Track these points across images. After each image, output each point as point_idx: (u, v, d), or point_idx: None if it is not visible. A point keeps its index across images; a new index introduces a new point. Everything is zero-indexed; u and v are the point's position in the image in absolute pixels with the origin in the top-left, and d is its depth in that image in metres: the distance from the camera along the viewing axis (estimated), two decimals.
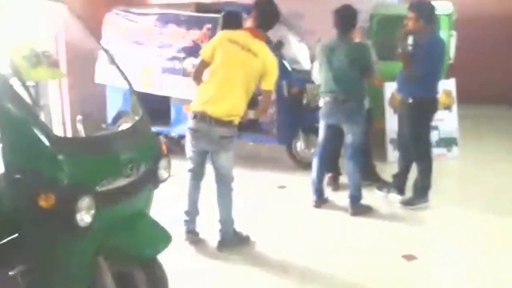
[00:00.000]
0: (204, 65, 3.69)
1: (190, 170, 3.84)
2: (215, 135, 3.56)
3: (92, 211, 2.22)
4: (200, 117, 3.57)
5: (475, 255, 3.88)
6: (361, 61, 4.40)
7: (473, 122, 8.08)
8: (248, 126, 6.06)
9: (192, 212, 3.91)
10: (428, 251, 3.94)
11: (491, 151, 6.70)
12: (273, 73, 3.62)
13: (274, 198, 5.04)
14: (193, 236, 3.91)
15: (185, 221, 3.90)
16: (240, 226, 3.95)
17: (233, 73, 3.55)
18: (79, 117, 2.80)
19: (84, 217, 2.20)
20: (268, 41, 4.00)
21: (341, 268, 3.63)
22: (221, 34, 3.86)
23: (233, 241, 3.83)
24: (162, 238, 2.58)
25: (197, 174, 3.84)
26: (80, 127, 2.75)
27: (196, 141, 3.67)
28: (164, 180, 2.80)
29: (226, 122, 3.56)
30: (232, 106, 3.56)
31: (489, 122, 8.43)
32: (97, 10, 6.19)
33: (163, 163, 2.78)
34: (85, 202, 2.19)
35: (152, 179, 2.70)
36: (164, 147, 2.89)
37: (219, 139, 3.58)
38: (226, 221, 3.80)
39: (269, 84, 3.63)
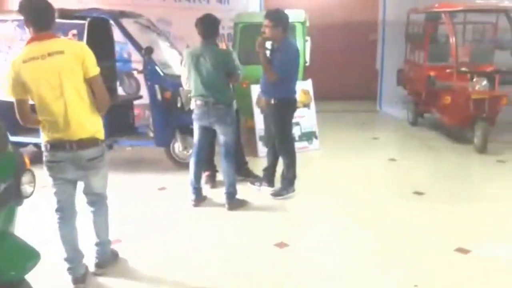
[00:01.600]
0: (23, 103, 2.91)
1: (57, 210, 3.11)
2: (81, 159, 2.98)
3: None
4: (58, 145, 2.93)
5: (341, 235, 4.05)
6: (225, 66, 4.38)
7: (328, 116, 8.58)
8: (124, 131, 5.84)
9: (74, 258, 3.21)
10: (298, 237, 4.03)
11: (345, 141, 7.13)
12: (90, 56, 2.95)
13: (154, 200, 4.85)
14: (83, 285, 3.22)
15: (69, 269, 3.18)
16: (120, 232, 3.71)
17: (53, 88, 2.86)
18: None
19: None
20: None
21: (221, 260, 3.59)
22: (11, 63, 2.91)
23: (110, 260, 3.45)
24: (29, 257, 2.30)
25: (68, 213, 3.14)
26: None
27: (59, 173, 3.01)
28: (29, 196, 2.49)
29: (90, 141, 2.98)
30: (82, 122, 2.95)
31: (342, 116, 8.98)
32: None
33: (26, 177, 2.46)
34: None
35: (13, 196, 2.38)
36: (26, 160, 2.57)
37: (87, 162, 3.01)
38: (105, 242, 3.39)
39: (93, 68, 2.95)
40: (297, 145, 6.27)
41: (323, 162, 6.16)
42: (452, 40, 6.43)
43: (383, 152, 6.58)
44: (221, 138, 4.47)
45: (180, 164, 5.53)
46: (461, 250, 3.70)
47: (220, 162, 4.59)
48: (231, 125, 4.46)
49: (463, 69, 6.45)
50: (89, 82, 2.97)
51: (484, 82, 6.27)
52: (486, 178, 5.55)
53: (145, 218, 4.39)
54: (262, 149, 5.92)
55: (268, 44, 4.62)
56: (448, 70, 6.57)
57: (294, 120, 5.78)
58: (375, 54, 9.48)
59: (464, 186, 5.28)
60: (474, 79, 6.29)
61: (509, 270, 3.45)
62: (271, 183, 4.99)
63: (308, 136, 6.58)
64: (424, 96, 7.47)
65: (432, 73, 7.08)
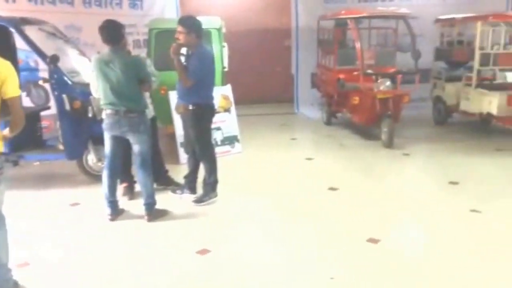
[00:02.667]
0: None
1: None
2: None
3: None
4: None
5: (263, 235, 4.04)
6: (137, 73, 4.19)
7: (249, 120, 8.63)
8: (30, 145, 5.38)
9: None
10: (220, 242, 3.94)
11: (266, 142, 7.18)
12: (12, 75, 2.84)
13: (67, 218, 4.48)
14: None
15: None
16: (27, 254, 3.41)
17: None
18: None
19: None
20: None
21: (141, 274, 3.42)
22: None
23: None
24: None
25: None
26: None
27: None
28: None
29: None
30: None
31: (262, 119, 9.05)
32: None
33: None
34: None
35: None
36: None
37: None
38: (2, 266, 3.01)
39: (14, 89, 2.84)
40: (220, 149, 6.27)
41: (245, 164, 6.15)
42: (357, 44, 6.69)
43: (301, 151, 6.71)
44: (135, 147, 4.25)
45: (95, 177, 5.15)
46: (372, 240, 3.83)
47: (136, 172, 4.38)
48: (145, 133, 4.25)
49: (369, 71, 6.74)
50: (7, 102, 2.83)
51: (388, 83, 6.58)
52: (394, 171, 5.81)
53: (56, 238, 4.04)
54: (184, 156, 5.79)
55: (184, 50, 4.52)
56: (355, 73, 6.83)
57: (215, 125, 5.73)
58: (290, 59, 9.65)
59: (374, 179, 5.49)
60: (379, 80, 6.58)
61: (415, 257, 3.60)
62: (193, 190, 4.87)
63: (230, 140, 6.55)
64: (336, 98, 7.71)
65: (341, 76, 7.33)
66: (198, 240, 3.92)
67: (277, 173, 5.75)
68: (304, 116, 9.17)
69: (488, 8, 8.10)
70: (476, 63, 6.88)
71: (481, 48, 7.01)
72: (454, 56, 7.89)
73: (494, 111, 6.53)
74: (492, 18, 6.78)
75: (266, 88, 10.34)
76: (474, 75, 6.90)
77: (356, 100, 6.95)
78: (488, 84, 7.03)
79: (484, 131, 7.47)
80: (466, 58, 7.60)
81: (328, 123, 8.26)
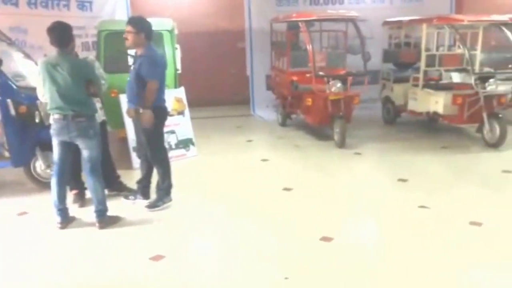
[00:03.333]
0: None
1: None
2: None
3: None
4: None
5: (218, 238, 4.04)
6: (85, 76, 4.08)
7: (205, 123, 8.61)
8: None
9: None
10: (175, 247, 3.90)
11: (222, 145, 7.17)
12: None
13: (13, 228, 4.30)
14: None
15: None
16: None
17: None
18: None
19: None
20: None
21: (91, 283, 3.34)
22: None
23: None
24: None
25: None
26: None
27: None
28: None
29: None
30: None
31: (218, 121, 9.03)
32: None
33: None
34: None
35: None
36: None
37: None
38: None
39: None
40: (174, 153, 6.22)
41: (201, 167, 6.12)
42: (309, 47, 6.79)
43: (256, 153, 6.75)
44: (84, 153, 4.13)
45: (44, 184, 4.99)
46: (326, 239, 3.90)
47: (86, 179, 4.27)
48: (94, 138, 4.14)
49: (320, 73, 6.86)
50: None
51: (339, 84, 6.72)
52: (346, 170, 5.94)
53: (2, 250, 3.89)
54: (137, 161, 5.68)
55: (132, 53, 4.43)
56: (308, 75, 6.94)
57: (169, 128, 5.67)
58: (245, 61, 9.69)
59: (327, 178, 5.60)
60: (330, 82, 6.71)
61: (367, 254, 3.70)
62: (146, 195, 4.80)
63: (185, 144, 6.50)
64: (290, 99, 7.81)
65: (295, 78, 7.43)
66: (152, 246, 3.86)
67: (233, 175, 5.76)
68: (260, 118, 9.23)
69: (434, 11, 8.43)
70: (422, 64, 7.14)
71: (427, 50, 7.30)
72: (402, 57, 8.16)
73: (440, 110, 6.80)
74: (437, 21, 7.05)
75: (221, 90, 10.34)
76: (420, 76, 7.17)
77: (309, 101, 7.07)
78: (434, 85, 7.31)
79: (431, 129, 7.77)
80: (413, 59, 7.89)
81: (283, 124, 8.35)
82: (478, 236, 3.95)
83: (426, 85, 7.21)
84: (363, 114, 8.54)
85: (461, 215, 4.33)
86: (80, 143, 4.12)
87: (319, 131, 7.60)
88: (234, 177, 5.67)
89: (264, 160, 6.36)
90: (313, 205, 4.72)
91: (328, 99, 6.72)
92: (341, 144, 6.74)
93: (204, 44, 10.07)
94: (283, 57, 8.05)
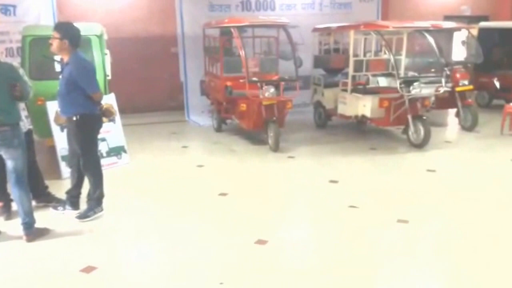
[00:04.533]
0: None
1: None
2: None
3: None
4: None
5: (151, 247, 4.02)
6: (8, 80, 3.92)
7: (138, 129, 8.51)
8: None
9: None
10: (107, 258, 3.84)
11: (156, 152, 7.11)
12: None
13: None
14: None
15: None
16: None
17: None
18: None
19: None
20: None
21: None
22: None
23: None
24: None
25: None
26: None
27: None
28: None
29: None
30: None
31: (152, 128, 8.94)
32: None
33: None
34: None
35: None
36: None
37: None
38: None
39: None
40: (106, 161, 6.10)
41: (134, 176, 6.04)
42: (242, 53, 6.91)
43: (192, 159, 6.77)
44: (9, 163, 3.97)
45: None
46: (261, 242, 4.00)
47: (12, 190, 4.10)
48: (19, 148, 3.98)
49: (254, 79, 7.01)
50: None
51: (272, 90, 6.91)
52: (280, 173, 6.10)
53: None
54: (66, 170, 5.54)
55: (58, 57, 4.34)
56: (241, 80, 7.05)
57: (100, 136, 5.56)
58: (178, 66, 9.66)
59: (261, 182, 5.73)
60: (264, 87, 6.88)
61: (301, 256, 3.84)
62: (75, 205, 4.68)
63: (117, 151, 6.39)
64: (225, 105, 7.89)
65: (229, 83, 7.52)
66: (83, 258, 3.78)
67: (168, 182, 5.74)
68: (195, 123, 9.24)
69: (361, 18, 8.87)
70: (350, 70, 7.49)
71: (355, 55, 7.66)
72: (331, 63, 8.53)
73: (367, 113, 7.16)
74: (363, 27, 7.42)
75: (154, 96, 10.24)
76: (349, 80, 7.51)
77: (243, 106, 7.20)
78: (362, 89, 7.68)
79: (360, 132, 8.15)
80: (342, 65, 8.26)
81: (219, 129, 8.42)
82: (406, 233, 4.20)
83: (354, 90, 7.56)
84: (296, 119, 8.81)
85: (389, 214, 4.60)
86: (4, 153, 3.96)
87: (254, 135, 7.75)
88: (168, 184, 5.66)
89: (199, 165, 6.39)
90: (248, 209, 4.82)
91: (262, 104, 6.88)
92: (275, 148, 6.91)
93: (136, 49, 9.94)
94: (216, 62, 8.13)
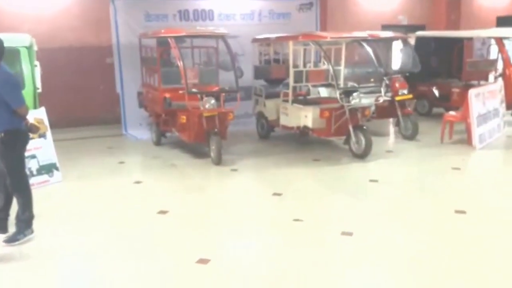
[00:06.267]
0: None
1: None
2: None
3: None
4: None
5: (88, 267, 3.92)
6: None
7: (72, 145, 8.29)
8: None
9: None
10: (38, 284, 3.71)
11: (91, 168, 6.94)
12: None
13: None
14: None
15: None
16: None
17: None
18: None
19: None
20: None
21: None
22: None
23: None
24: None
25: None
26: None
27: None
28: None
29: None
30: None
31: (87, 143, 8.74)
32: None
33: None
34: None
35: None
36: None
37: None
38: None
39: None
40: (36, 179, 5.91)
41: (67, 195, 5.86)
42: (180, 63, 6.91)
43: (129, 175, 6.64)
44: None
45: None
46: (203, 261, 3.98)
47: None
48: None
49: (194, 90, 7.01)
50: None
51: (213, 101, 6.94)
52: (223, 187, 6.14)
53: None
54: None
55: None
56: (181, 92, 7.04)
57: (29, 153, 5.38)
58: (114, 78, 9.48)
59: (203, 197, 5.73)
60: (204, 99, 6.90)
61: (245, 273, 3.86)
62: (3, 228, 4.47)
63: (48, 169, 6.18)
64: (164, 117, 7.83)
65: (167, 95, 7.49)
66: (11, 284, 3.63)
67: (103, 201, 5.61)
68: (133, 137, 9.10)
69: (300, 28, 9.11)
70: (291, 80, 7.67)
71: (295, 66, 7.85)
72: (272, 73, 8.69)
73: (309, 124, 7.35)
74: (302, 37, 7.63)
75: (89, 109, 10.00)
76: (290, 91, 7.69)
77: (183, 119, 7.17)
78: (303, 100, 7.88)
79: (303, 143, 8.33)
80: (283, 75, 8.44)
81: (158, 143, 8.33)
82: (350, 245, 4.31)
83: (296, 100, 7.75)
84: (239, 130, 8.89)
85: (334, 226, 4.71)
86: None
87: (196, 148, 7.74)
88: (104, 203, 5.53)
89: (137, 182, 6.29)
90: (189, 226, 4.80)
91: (203, 116, 6.90)
92: (218, 161, 6.93)
93: (69, 60, 9.70)
94: (154, 73, 8.07)
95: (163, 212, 5.15)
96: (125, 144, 8.74)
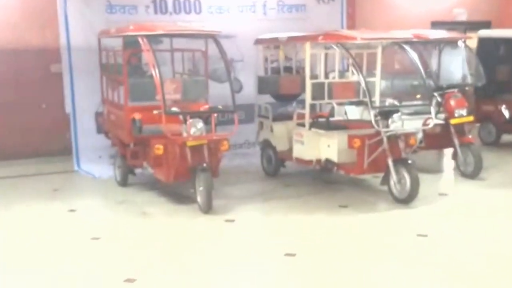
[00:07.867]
0: None
1: None
2: None
3: None
4: None
5: None
6: None
7: (2, 185, 8.33)
8: None
9: None
10: None
11: (27, 220, 6.90)
12: None
13: None
14: None
15: None
16: None
17: None
18: None
19: None
20: None
21: None
22: None
23: None
24: None
25: None
26: None
27: None
28: None
29: None
30: None
31: (24, 182, 8.81)
32: None
33: None
34: None
35: None
36: None
37: None
38: None
39: None
40: None
41: None
42: (155, 72, 6.85)
43: (82, 229, 6.58)
44: None
45: None
46: None
47: None
48: None
49: (174, 109, 6.99)
50: None
51: (200, 124, 6.90)
52: (213, 248, 5.92)
53: None
54: None
55: None
56: (156, 111, 6.99)
57: None
58: (63, 92, 9.50)
59: (187, 261, 5.60)
60: (188, 122, 6.86)
61: None
62: None
63: None
64: (132, 147, 7.81)
65: (137, 116, 7.43)
66: None
67: (47, 265, 5.53)
68: (89, 174, 9.11)
69: (320, 25, 9.18)
70: (308, 96, 7.66)
71: (313, 77, 7.86)
72: (282, 87, 8.67)
73: (333, 157, 7.31)
74: (323, 38, 7.65)
75: (27, 135, 9.99)
76: (306, 111, 7.67)
77: (159, 149, 7.14)
78: (325, 123, 7.78)
79: (325, 182, 8.31)
80: (296, 89, 8.44)
81: (124, 183, 8.31)
82: None
83: (315, 124, 7.72)
84: (236, 165, 8.87)
85: None
86: None
87: (177, 190, 7.71)
88: (48, 267, 5.45)
89: (94, 238, 6.23)
90: None
91: (186, 146, 6.87)
92: (207, 208, 6.89)
93: (0, 69, 9.73)
94: (119, 86, 8.07)
95: (130, 281, 5.01)
96: (77, 185, 8.77)
